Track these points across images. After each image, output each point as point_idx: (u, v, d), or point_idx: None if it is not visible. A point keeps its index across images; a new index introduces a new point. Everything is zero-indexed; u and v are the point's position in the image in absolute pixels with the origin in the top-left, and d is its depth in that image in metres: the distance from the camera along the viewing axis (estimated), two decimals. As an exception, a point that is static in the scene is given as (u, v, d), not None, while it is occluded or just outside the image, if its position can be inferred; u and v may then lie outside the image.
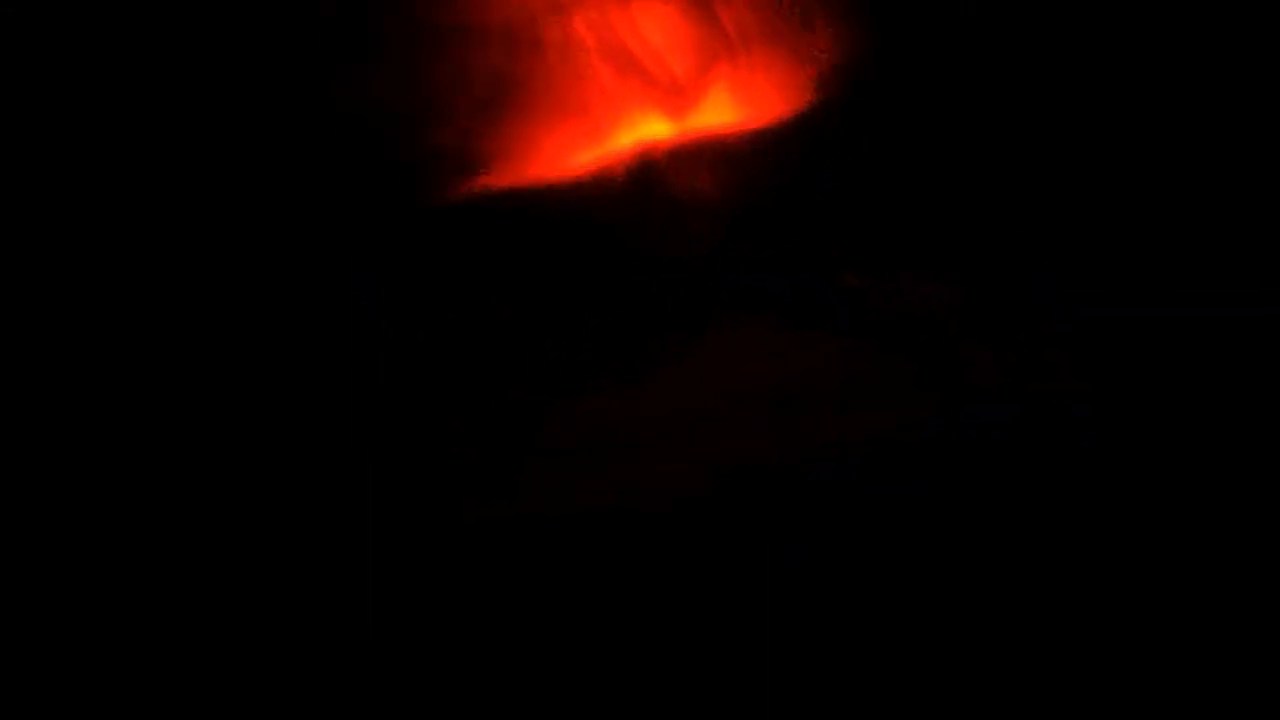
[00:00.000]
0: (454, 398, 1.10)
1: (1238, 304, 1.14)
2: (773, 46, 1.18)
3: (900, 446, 1.07)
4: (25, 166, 1.17)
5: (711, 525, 1.03)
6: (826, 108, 1.18)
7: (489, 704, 1.03)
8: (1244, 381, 1.11)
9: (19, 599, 1.05)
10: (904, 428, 1.08)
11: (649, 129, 1.17)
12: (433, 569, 1.06)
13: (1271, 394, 1.10)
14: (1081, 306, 1.14)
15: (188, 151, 1.17)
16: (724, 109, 1.18)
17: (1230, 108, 1.21)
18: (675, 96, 1.18)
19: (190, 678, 1.04)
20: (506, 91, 1.16)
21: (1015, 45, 1.20)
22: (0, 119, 1.16)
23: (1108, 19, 1.20)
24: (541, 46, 1.16)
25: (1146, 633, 1.03)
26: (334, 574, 1.08)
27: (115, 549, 1.06)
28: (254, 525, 1.09)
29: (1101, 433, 1.08)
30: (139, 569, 1.07)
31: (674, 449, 1.07)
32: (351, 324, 1.13)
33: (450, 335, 1.12)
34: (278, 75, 1.17)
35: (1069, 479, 1.07)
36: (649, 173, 1.15)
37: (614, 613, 1.02)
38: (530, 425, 1.09)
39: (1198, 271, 1.15)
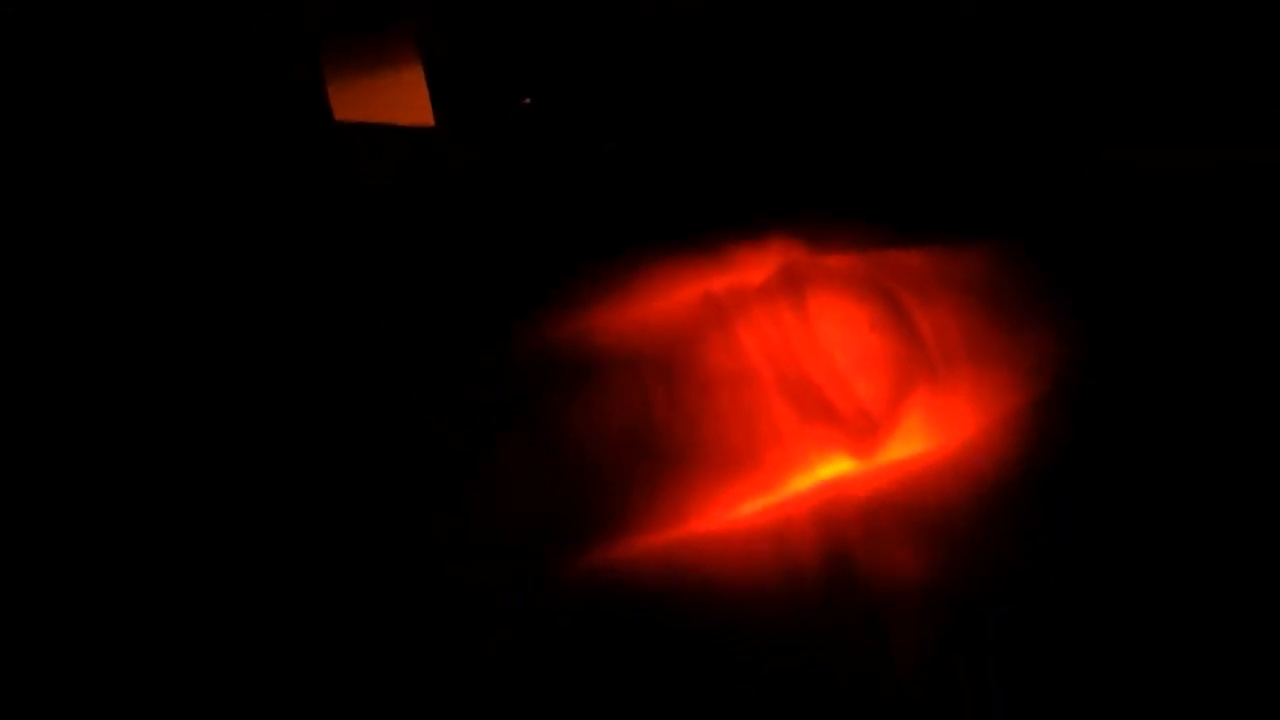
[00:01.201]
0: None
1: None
2: (976, 359, 0.95)
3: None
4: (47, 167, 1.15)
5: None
6: (1034, 425, 0.94)
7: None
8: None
9: (19, 599, 1.02)
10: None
11: (831, 471, 0.92)
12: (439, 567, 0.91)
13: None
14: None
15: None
16: (915, 439, 0.94)
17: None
18: (865, 436, 0.92)
19: (190, 677, 0.99)
20: (659, 440, 0.90)
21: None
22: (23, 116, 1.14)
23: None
24: (704, 381, 0.91)
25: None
26: (336, 573, 1.03)
27: (115, 549, 1.02)
28: (254, 525, 1.04)
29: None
30: (139, 569, 1.03)
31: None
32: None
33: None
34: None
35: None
36: (833, 548, 0.89)
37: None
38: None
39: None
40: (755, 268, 0.97)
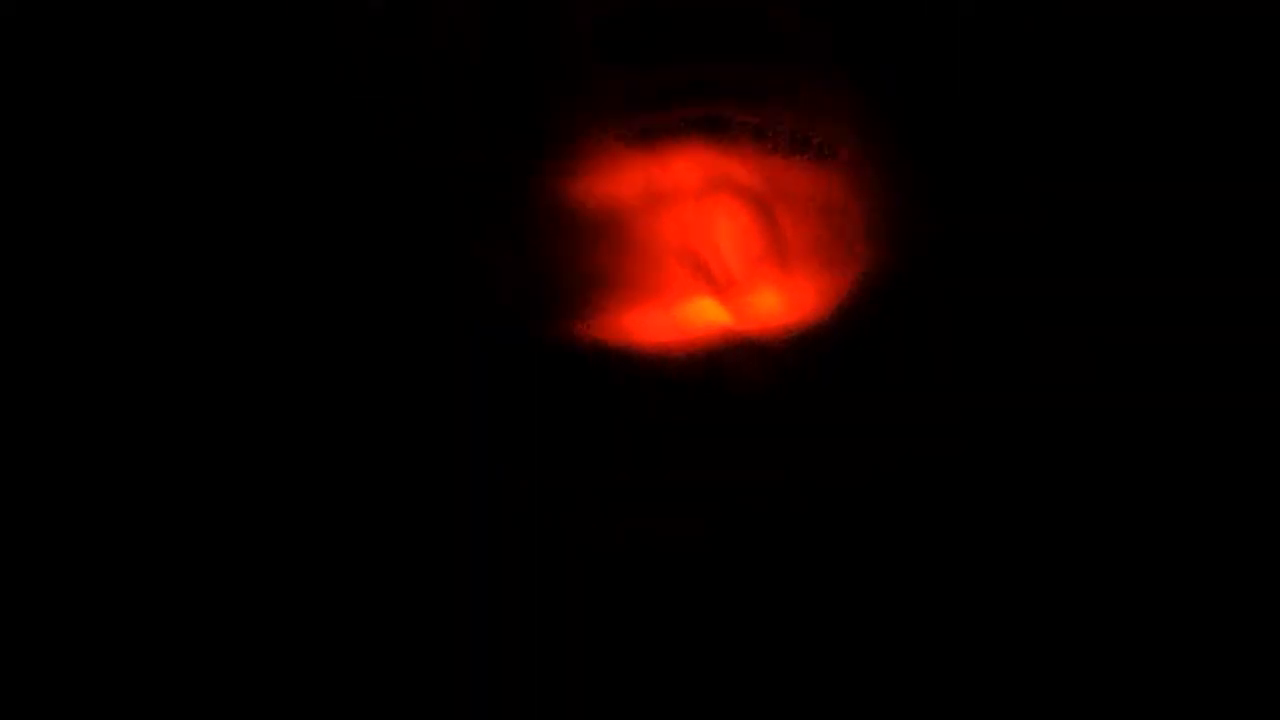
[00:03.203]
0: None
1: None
2: (817, 258, 1.44)
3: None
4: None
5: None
6: (852, 313, 1.43)
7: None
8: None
9: (21, 599, 1.05)
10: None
11: (711, 313, 1.45)
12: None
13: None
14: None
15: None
16: (771, 305, 1.44)
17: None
18: (726, 291, 1.44)
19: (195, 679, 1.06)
20: (599, 270, 1.42)
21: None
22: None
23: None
24: (633, 241, 1.43)
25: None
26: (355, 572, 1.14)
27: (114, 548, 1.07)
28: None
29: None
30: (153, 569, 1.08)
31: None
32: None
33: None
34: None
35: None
36: (710, 354, 1.43)
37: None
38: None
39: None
40: (683, 168, 1.45)
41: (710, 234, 1.43)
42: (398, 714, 1.09)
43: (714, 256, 1.43)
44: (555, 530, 1.17)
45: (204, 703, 1.06)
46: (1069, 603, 1.25)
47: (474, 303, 1.34)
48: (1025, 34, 1.35)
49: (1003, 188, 1.41)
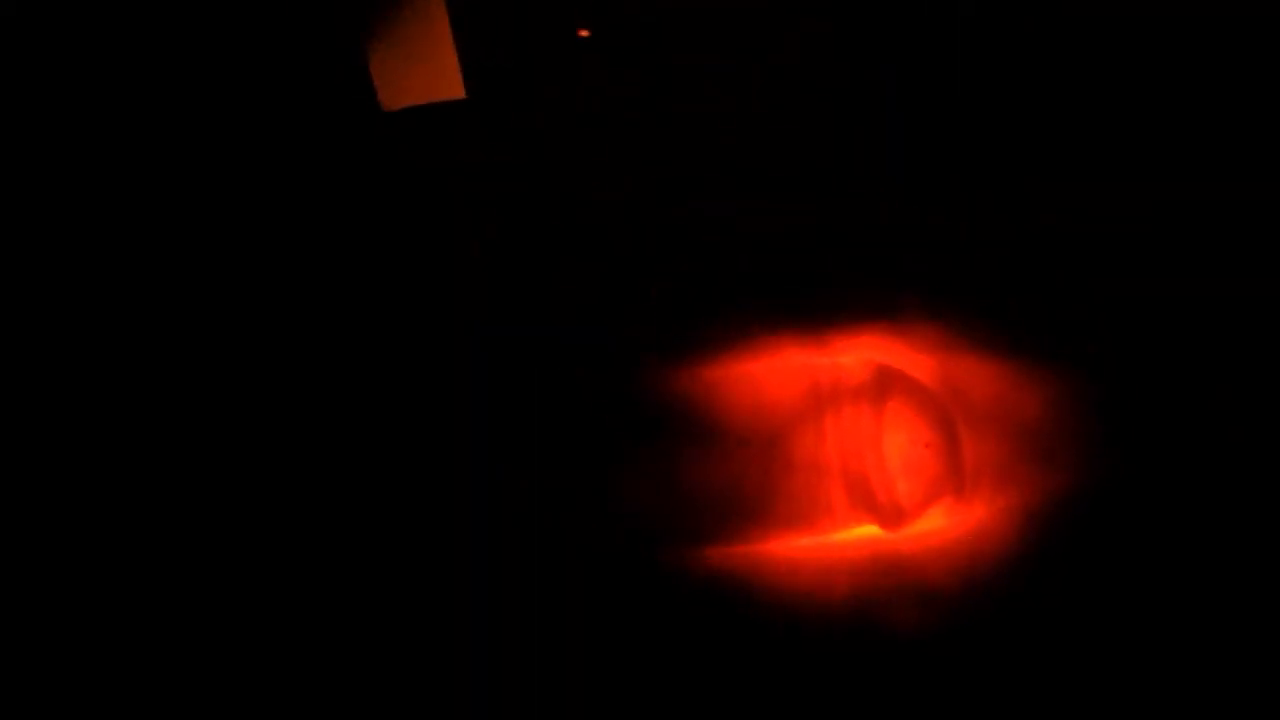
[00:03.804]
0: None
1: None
2: (999, 482, 1.19)
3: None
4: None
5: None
6: (1032, 547, 1.17)
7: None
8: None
9: (18, 599, 1.06)
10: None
11: (864, 534, 1.23)
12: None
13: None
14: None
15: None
16: (938, 533, 1.22)
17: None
18: (893, 522, 1.22)
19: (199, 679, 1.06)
20: (747, 495, 1.21)
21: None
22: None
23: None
24: (789, 462, 1.22)
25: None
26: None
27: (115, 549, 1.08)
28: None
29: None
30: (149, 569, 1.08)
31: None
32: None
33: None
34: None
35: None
36: (863, 589, 1.19)
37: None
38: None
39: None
40: (853, 363, 1.23)
41: (878, 451, 1.21)
42: (398, 714, 1.09)
43: (880, 480, 1.21)
44: (555, 530, 1.14)
45: (204, 703, 1.06)
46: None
47: (474, 303, 1.18)
48: (1025, 34, 1.23)
49: (1004, 191, 1.20)
